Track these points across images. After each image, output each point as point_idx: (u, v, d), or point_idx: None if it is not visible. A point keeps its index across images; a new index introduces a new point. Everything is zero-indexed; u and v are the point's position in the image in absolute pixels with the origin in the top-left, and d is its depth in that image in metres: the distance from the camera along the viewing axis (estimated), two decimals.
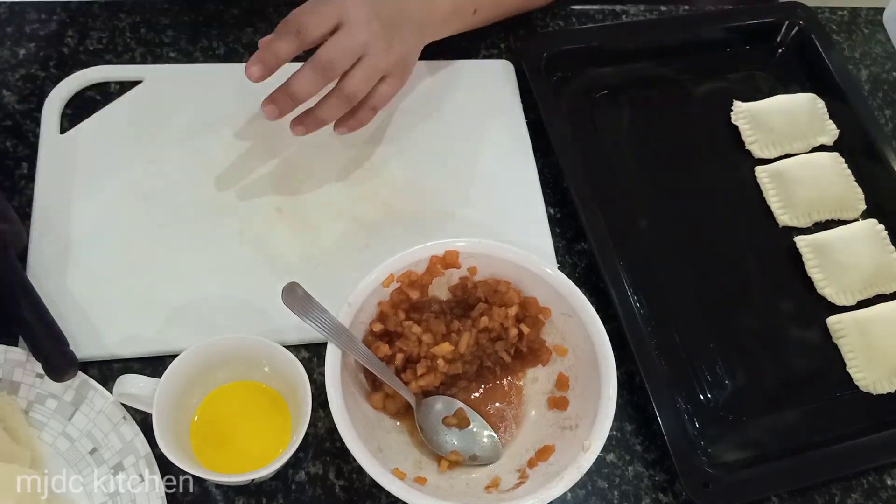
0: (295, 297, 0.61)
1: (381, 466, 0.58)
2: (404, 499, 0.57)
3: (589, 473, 0.69)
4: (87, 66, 0.81)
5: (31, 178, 0.74)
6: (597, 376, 0.63)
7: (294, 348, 0.64)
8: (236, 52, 0.85)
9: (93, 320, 0.68)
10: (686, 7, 0.97)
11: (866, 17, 1.01)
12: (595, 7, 0.95)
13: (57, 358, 0.62)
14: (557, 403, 0.66)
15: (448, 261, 0.67)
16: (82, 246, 0.71)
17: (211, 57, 0.84)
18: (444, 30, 0.80)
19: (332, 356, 0.61)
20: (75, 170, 0.74)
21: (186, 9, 0.87)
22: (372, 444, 0.61)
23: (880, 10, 1.01)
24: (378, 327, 0.66)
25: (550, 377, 0.68)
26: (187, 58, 0.83)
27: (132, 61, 0.82)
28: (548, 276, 0.66)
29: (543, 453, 0.63)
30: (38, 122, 0.77)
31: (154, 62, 0.82)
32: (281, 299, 0.61)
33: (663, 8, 0.96)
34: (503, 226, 0.78)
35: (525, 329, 0.66)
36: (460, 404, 0.67)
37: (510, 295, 0.67)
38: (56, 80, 0.79)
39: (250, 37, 0.86)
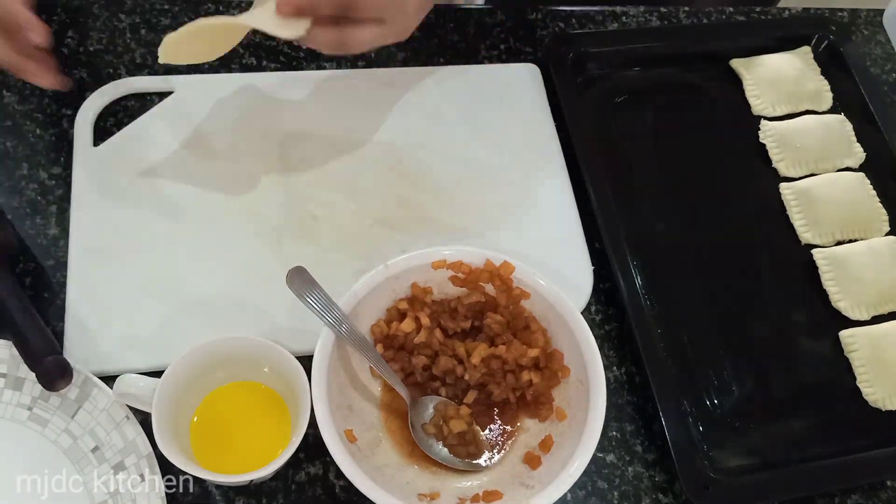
0: (300, 279, 0.62)
1: (356, 464, 0.59)
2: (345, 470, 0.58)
3: (589, 474, 0.69)
4: (86, 68, 0.81)
5: (31, 178, 0.75)
6: (573, 450, 0.61)
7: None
8: (236, 52, 0.85)
9: (126, 332, 0.68)
10: (686, 8, 0.97)
11: (866, 18, 1.01)
12: (595, 8, 0.95)
13: (51, 366, 0.61)
14: (531, 461, 0.64)
15: (501, 274, 0.67)
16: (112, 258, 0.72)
17: None
18: None
19: (324, 345, 0.62)
20: (109, 182, 0.75)
21: (186, 9, 0.87)
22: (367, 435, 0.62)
23: (880, 12, 1.02)
24: (403, 305, 0.67)
25: (539, 434, 0.66)
26: None
27: (132, 62, 0.82)
28: (583, 339, 0.65)
29: (490, 496, 0.62)
30: (38, 123, 0.78)
31: (155, 64, 0.82)
32: (286, 282, 0.61)
33: (663, 9, 0.96)
34: (536, 235, 0.78)
35: (535, 378, 0.66)
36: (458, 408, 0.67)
37: (536, 337, 0.67)
38: None
39: (250, 37, 0.86)
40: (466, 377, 0.66)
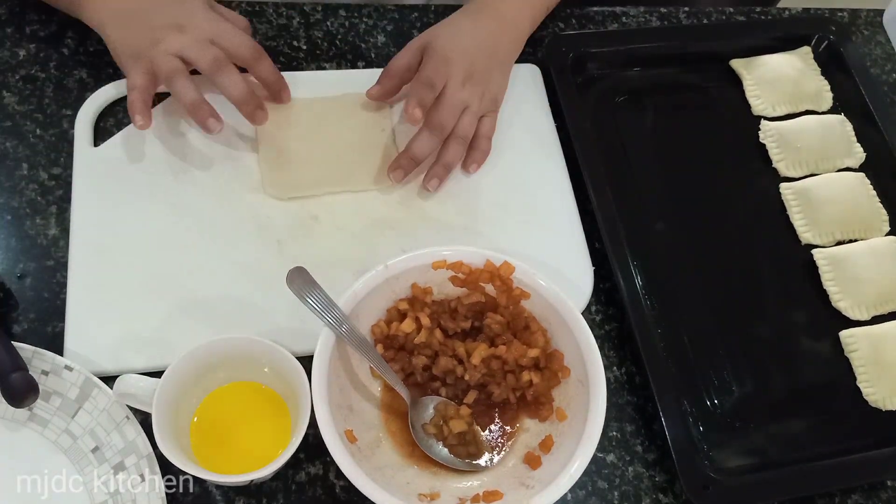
0: (301, 279, 0.62)
1: (356, 464, 0.59)
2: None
3: (589, 474, 0.69)
4: (86, 68, 0.81)
5: (31, 178, 0.75)
6: (573, 450, 0.61)
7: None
8: None
9: (126, 332, 0.68)
10: (686, 8, 0.97)
11: (866, 18, 1.01)
12: (595, 9, 0.95)
13: (17, 382, 0.61)
14: (532, 461, 0.64)
15: (502, 274, 0.67)
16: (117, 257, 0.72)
17: None
18: (521, 47, 0.87)
19: (324, 345, 0.62)
20: (110, 182, 0.75)
21: None
22: (368, 436, 0.62)
23: (880, 12, 1.02)
24: (404, 306, 0.67)
25: (539, 434, 0.66)
26: None
27: None
28: (583, 340, 0.65)
29: (491, 496, 0.62)
30: (38, 123, 0.78)
31: None
32: (286, 283, 0.61)
33: (663, 9, 0.96)
34: (537, 236, 0.78)
35: (535, 379, 0.66)
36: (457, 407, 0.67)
37: (536, 337, 0.67)
38: (56, 82, 0.80)
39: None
40: (466, 377, 0.66)
